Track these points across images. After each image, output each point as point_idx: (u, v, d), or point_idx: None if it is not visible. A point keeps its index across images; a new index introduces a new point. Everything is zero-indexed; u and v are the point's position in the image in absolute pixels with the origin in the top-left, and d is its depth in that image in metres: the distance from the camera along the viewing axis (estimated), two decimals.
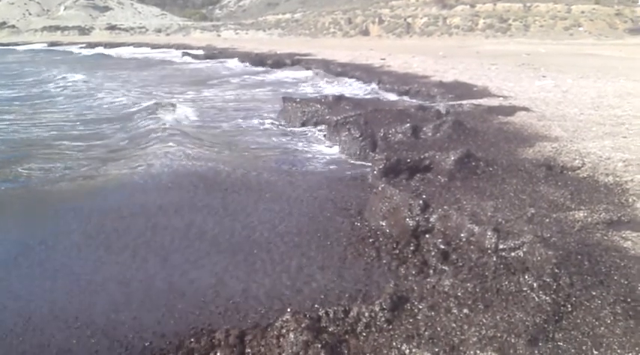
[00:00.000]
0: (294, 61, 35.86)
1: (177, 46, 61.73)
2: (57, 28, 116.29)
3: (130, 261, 6.29)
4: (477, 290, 4.81)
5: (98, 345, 4.59)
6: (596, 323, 4.30)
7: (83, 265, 6.23)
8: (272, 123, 15.32)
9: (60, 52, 69.57)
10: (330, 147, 12.04)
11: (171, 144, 11.93)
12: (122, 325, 4.87)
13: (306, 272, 5.91)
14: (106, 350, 4.52)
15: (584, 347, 4.01)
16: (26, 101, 21.57)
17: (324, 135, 13.02)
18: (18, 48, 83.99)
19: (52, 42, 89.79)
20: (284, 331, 4.21)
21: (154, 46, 66.91)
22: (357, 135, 10.90)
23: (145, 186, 9.10)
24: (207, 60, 44.70)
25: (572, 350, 3.98)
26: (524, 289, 4.74)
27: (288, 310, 4.67)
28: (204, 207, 8.06)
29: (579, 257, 5.21)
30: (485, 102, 14.37)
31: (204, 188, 8.91)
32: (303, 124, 14.48)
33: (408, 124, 10.86)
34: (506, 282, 4.89)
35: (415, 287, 4.92)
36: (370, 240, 6.67)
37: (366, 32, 72.09)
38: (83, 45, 78.21)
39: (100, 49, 68.98)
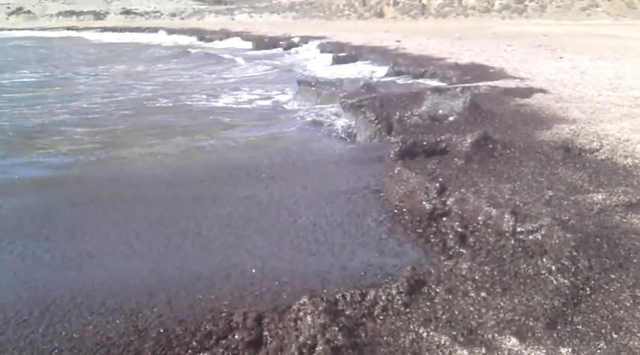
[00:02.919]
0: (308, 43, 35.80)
1: (192, 32, 61.31)
2: (72, 13, 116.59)
3: None
4: (495, 273, 4.79)
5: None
6: (616, 306, 4.27)
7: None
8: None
9: (96, 44, 66.94)
10: (347, 128, 12.00)
11: None
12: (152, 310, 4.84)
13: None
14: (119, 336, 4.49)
15: (603, 331, 3.99)
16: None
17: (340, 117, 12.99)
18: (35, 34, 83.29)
19: (68, 27, 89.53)
20: (301, 314, 4.21)
21: (170, 31, 66.38)
22: (373, 118, 10.86)
23: None
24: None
25: (592, 334, 3.96)
26: (543, 272, 4.72)
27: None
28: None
29: (598, 239, 5.18)
30: (501, 83, 14.26)
31: None
32: (318, 106, 14.44)
33: (424, 107, 10.81)
34: (525, 265, 4.87)
35: (432, 271, 4.91)
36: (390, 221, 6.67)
37: (380, 14, 71.71)
38: (99, 29, 77.99)
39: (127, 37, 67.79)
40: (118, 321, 4.59)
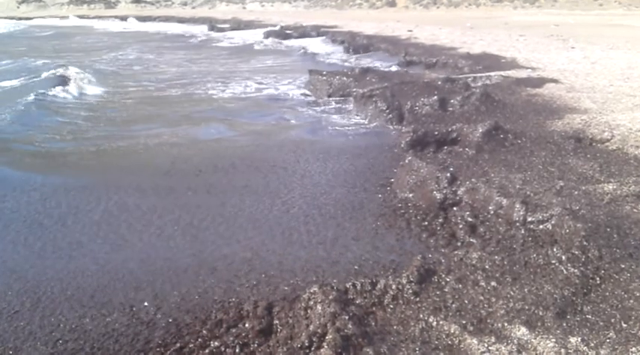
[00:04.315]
0: (320, 33, 35.60)
1: (204, 20, 61.10)
2: (83, 1, 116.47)
3: None
4: (505, 262, 4.80)
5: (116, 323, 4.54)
6: (625, 296, 4.28)
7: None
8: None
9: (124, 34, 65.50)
10: (357, 118, 11.97)
11: None
12: (142, 302, 4.85)
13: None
14: (125, 327, 4.49)
15: (612, 320, 4.00)
16: None
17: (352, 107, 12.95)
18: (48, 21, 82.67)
19: (80, 16, 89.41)
20: (312, 303, 4.24)
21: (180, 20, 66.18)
22: (384, 108, 10.86)
23: None
24: None
25: (601, 323, 3.97)
26: (553, 262, 4.73)
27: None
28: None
29: (608, 229, 5.18)
30: (513, 73, 14.24)
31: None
32: (330, 96, 14.40)
33: (436, 96, 10.80)
34: (535, 255, 4.88)
35: (442, 260, 4.93)
36: (401, 212, 6.63)
37: (392, 3, 71.50)
38: (112, 18, 77.84)
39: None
40: (115, 315, 4.62)
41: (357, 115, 12.10)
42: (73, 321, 4.51)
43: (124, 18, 75.75)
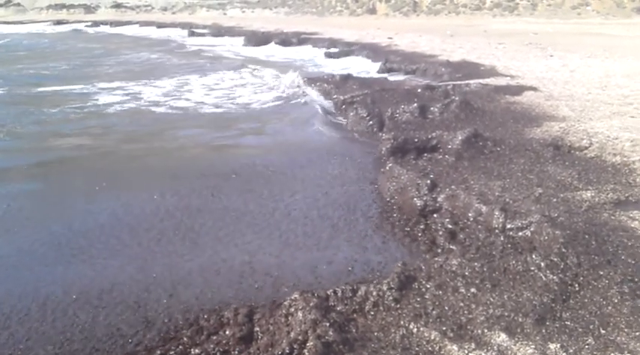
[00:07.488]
0: (301, 39, 35.49)
1: (183, 25, 60.67)
2: (62, 6, 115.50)
3: None
4: (485, 269, 4.82)
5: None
6: (604, 302, 4.32)
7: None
8: None
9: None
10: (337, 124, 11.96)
11: None
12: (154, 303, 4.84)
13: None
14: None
15: (591, 327, 4.03)
16: None
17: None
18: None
19: (57, 20, 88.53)
20: (292, 310, 4.24)
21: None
22: (365, 115, 10.88)
23: None
24: None
25: (580, 330, 4.00)
26: (532, 268, 4.76)
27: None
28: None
29: (586, 236, 5.23)
30: (492, 81, 14.34)
31: None
32: None
33: (416, 104, 10.85)
34: (514, 262, 4.91)
35: (423, 267, 4.94)
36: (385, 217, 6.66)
37: (372, 11, 71.66)
38: (89, 23, 77.05)
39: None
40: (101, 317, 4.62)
41: (337, 121, 12.09)
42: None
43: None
